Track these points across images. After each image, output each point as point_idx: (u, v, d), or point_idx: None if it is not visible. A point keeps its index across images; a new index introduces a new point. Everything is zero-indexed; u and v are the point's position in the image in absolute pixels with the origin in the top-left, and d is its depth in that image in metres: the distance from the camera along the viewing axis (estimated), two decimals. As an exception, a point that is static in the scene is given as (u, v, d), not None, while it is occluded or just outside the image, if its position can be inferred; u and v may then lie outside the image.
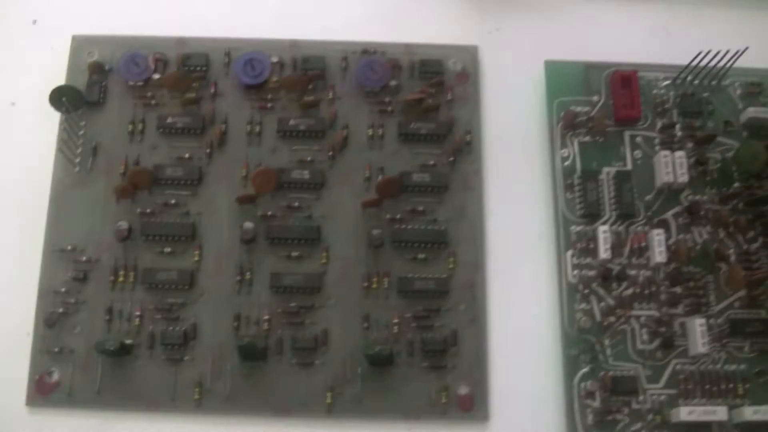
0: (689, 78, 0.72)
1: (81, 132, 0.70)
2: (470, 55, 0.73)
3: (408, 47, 0.73)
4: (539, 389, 0.67)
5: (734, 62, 0.70)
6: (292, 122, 0.70)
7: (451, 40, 0.73)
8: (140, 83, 0.71)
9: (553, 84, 0.72)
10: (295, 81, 0.70)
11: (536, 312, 0.68)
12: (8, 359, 0.66)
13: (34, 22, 0.74)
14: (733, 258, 0.68)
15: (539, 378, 0.67)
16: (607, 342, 0.67)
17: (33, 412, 0.65)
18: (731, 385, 0.66)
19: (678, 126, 0.71)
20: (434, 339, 0.66)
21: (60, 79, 0.71)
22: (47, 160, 0.70)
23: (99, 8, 0.75)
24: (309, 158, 0.70)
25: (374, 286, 0.67)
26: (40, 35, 0.74)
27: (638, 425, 0.65)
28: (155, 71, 0.71)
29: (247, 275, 0.67)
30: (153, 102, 0.71)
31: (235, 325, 0.66)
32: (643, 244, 0.68)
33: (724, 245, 0.69)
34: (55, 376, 0.65)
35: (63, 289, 0.67)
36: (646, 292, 0.68)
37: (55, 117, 0.70)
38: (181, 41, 0.73)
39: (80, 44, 0.72)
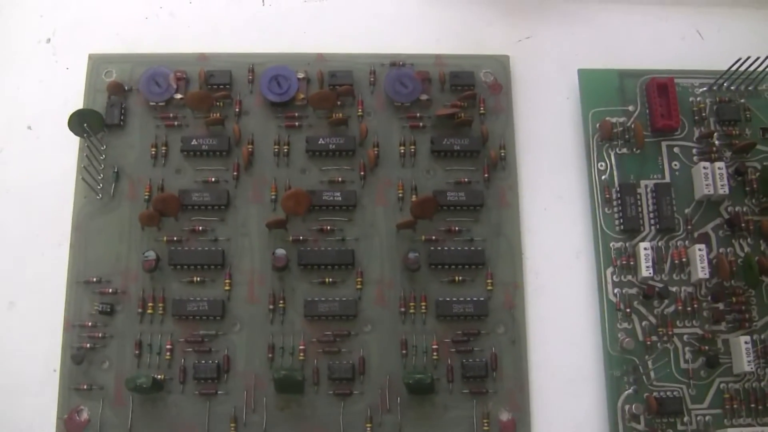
0: (725, 84, 0.66)
1: (102, 156, 0.63)
2: (502, 65, 0.66)
3: (438, 58, 0.66)
4: (582, 412, 0.61)
5: (773, 67, 0.64)
6: (321, 141, 0.64)
7: (482, 49, 0.67)
8: (162, 103, 0.65)
9: (588, 94, 0.66)
10: (323, 97, 0.64)
11: (577, 332, 0.63)
12: (35, 397, 0.60)
13: (48, 40, 0.67)
14: (775, 271, 0.63)
15: (582, 401, 0.62)
16: (650, 362, 0.61)
17: (64, 454, 0.59)
18: (778, 403, 0.61)
19: (716, 135, 0.65)
20: (474, 364, 0.61)
21: (77, 100, 0.65)
22: (68, 186, 0.64)
23: (115, 25, 0.68)
24: (340, 178, 0.64)
25: (411, 310, 0.62)
26: (54, 54, 0.67)
27: (685, 447, 0.60)
28: (177, 90, 0.65)
29: (280, 303, 0.61)
30: (176, 123, 0.64)
31: (269, 356, 0.60)
32: (684, 259, 0.63)
33: (767, 257, 0.63)
34: (85, 414, 0.60)
35: (89, 323, 0.61)
36: (689, 309, 0.62)
37: (74, 140, 0.64)
38: (202, 57, 0.66)
39: (97, 63, 0.66)
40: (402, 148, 0.64)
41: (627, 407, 0.60)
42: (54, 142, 0.65)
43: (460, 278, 0.62)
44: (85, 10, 0.68)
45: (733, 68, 0.65)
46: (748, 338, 0.61)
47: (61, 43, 0.67)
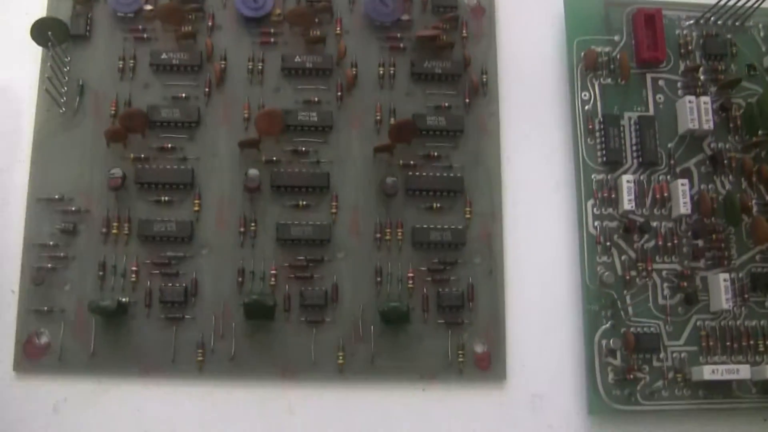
0: (713, 18, 0.63)
1: (66, 69, 0.59)
2: (486, -12, 0.63)
3: (420, -22, 0.62)
4: (558, 346, 0.59)
5: (761, 2, 0.61)
6: (297, 59, 0.60)
7: (467, -28, 0.63)
8: (130, 15, 0.60)
9: (573, 22, 0.62)
10: (300, 14, 0.60)
11: (555, 265, 0.60)
12: (-8, 319, 0.56)
13: (10, -58, 0.62)
14: (755, 210, 0.60)
15: (558, 335, 0.59)
16: (628, 297, 0.58)
17: (21, 378, 0.55)
18: (752, 342, 0.59)
19: (702, 69, 0.62)
20: (450, 294, 0.58)
21: (39, 7, 0.60)
22: (29, 99, 0.59)
23: (81, -73, 0.62)
24: (315, 99, 0.60)
25: (387, 237, 0.58)
26: (16, -42, 0.62)
27: (659, 383, 0.58)
28: (146, 1, 0.60)
29: (251, 226, 0.58)
30: (145, 36, 0.60)
31: (239, 281, 0.57)
32: (666, 194, 0.60)
33: (747, 196, 0.60)
34: (45, 338, 0.56)
35: (50, 243, 0.57)
36: (668, 244, 0.60)
37: (36, 51, 0.59)
38: (174, -33, 0.61)
39: (62, -30, 0.61)
40: (381, 69, 0.61)
41: (604, 342, 0.58)
42: (14, 51, 0.60)
43: (438, 205, 0.59)
44: None
45: (721, 2, 0.61)
46: (727, 276, 0.58)
47: (24, -54, 0.62)
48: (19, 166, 0.58)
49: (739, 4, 0.62)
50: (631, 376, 0.58)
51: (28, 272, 0.56)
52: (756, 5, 0.62)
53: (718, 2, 0.62)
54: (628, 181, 0.59)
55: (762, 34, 0.64)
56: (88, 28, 0.60)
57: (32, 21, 0.58)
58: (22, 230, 0.57)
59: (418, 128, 0.59)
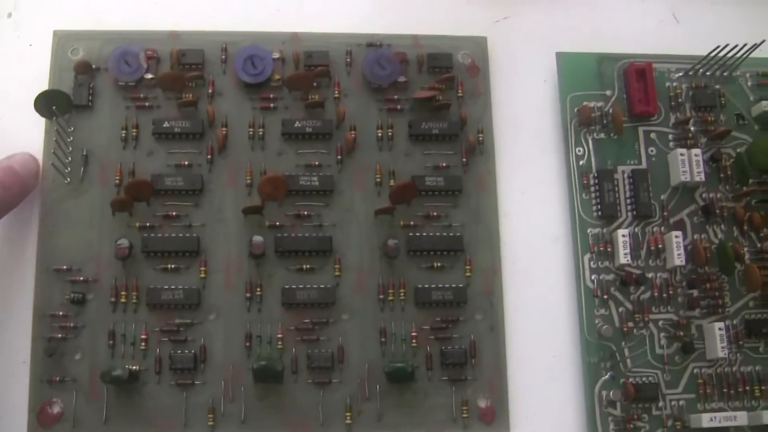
0: (701, 70, 0.66)
1: (70, 139, 0.61)
2: (480, 47, 0.65)
3: (415, 39, 0.65)
4: (560, 398, 0.62)
5: (749, 54, 0.64)
6: (297, 124, 0.62)
7: (459, 29, 0.66)
8: (132, 83, 0.62)
9: (566, 78, 0.65)
10: (299, 78, 0.62)
11: (554, 319, 0.63)
12: (4, 390, 0.58)
13: (9, 15, 0.64)
14: (748, 257, 0.63)
15: (559, 387, 0.62)
16: (626, 349, 0.62)
17: (36, 447, 0.58)
18: (748, 388, 0.62)
19: (692, 121, 0.65)
20: (454, 352, 0.60)
21: (42, 80, 0.62)
22: (34, 170, 0.61)
23: (81, 0, 0.65)
24: (316, 162, 0.62)
25: (390, 298, 0.61)
26: (16, 30, 0.64)
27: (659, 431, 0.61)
28: (148, 70, 0.63)
29: (257, 291, 0.60)
30: (147, 104, 0.62)
31: (246, 345, 0.60)
32: (660, 245, 0.63)
33: (740, 244, 0.63)
34: (58, 407, 0.58)
35: (60, 313, 0.59)
36: (664, 295, 0.63)
37: (39, 121, 0.61)
38: (173, 35, 0.64)
39: (63, 40, 0.63)
40: (380, 131, 0.63)
41: (604, 393, 0.61)
42: (18, 123, 0.62)
43: (439, 264, 0.62)
44: (48, -18, 0.65)
45: (711, 54, 0.64)
46: (722, 325, 0.61)
47: (24, 17, 0.64)
48: (26, 236, 0.60)
49: (729, 55, 0.64)
50: (631, 426, 0.61)
51: (40, 342, 0.59)
52: (743, 57, 0.65)
53: (708, 55, 0.64)
54: (623, 236, 0.62)
55: (749, 83, 0.67)
56: (90, 97, 0.62)
57: (35, 92, 0.60)
58: (32, 300, 0.59)
59: (417, 189, 0.61)
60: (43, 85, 0.62)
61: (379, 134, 0.63)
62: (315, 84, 0.63)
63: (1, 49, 0.64)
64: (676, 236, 0.62)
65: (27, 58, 0.63)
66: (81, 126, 0.62)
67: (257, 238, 0.60)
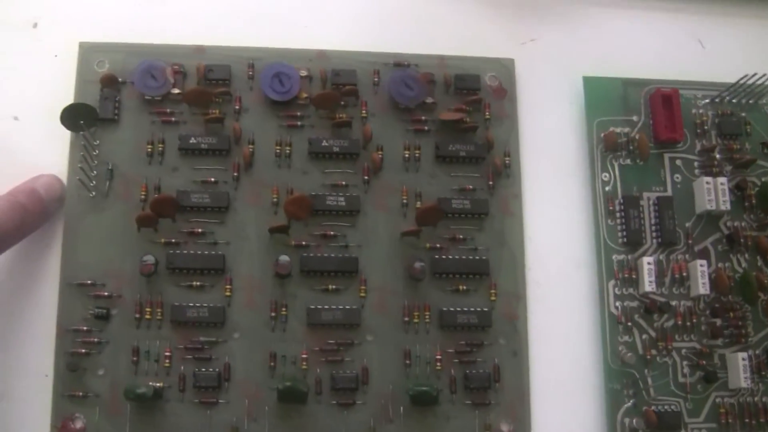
0: (727, 97, 0.67)
1: (95, 152, 0.62)
2: (506, 69, 0.66)
3: (441, 59, 0.66)
4: (582, 425, 0.63)
5: (776, 82, 0.66)
6: (324, 143, 0.63)
7: (485, 51, 0.67)
8: (158, 98, 0.63)
9: (593, 102, 0.66)
10: (326, 98, 0.63)
11: (577, 345, 0.64)
12: (26, 404, 0.59)
13: (35, 25, 0.65)
14: (771, 286, 0.65)
15: (581, 413, 0.63)
16: (649, 377, 0.62)
17: (58, 464, 0.58)
18: (770, 417, 0.63)
19: (717, 149, 0.66)
20: (477, 375, 0.61)
21: (67, 91, 0.63)
22: (58, 183, 0.62)
23: (105, 10, 0.65)
24: (343, 182, 0.63)
25: (415, 320, 0.62)
26: (40, 41, 0.65)
27: (680, 460, 0.62)
28: (174, 85, 0.63)
29: (282, 311, 0.61)
30: (173, 119, 0.63)
31: (270, 365, 0.60)
32: (684, 273, 0.64)
33: (763, 274, 0.64)
34: (80, 423, 0.59)
35: (84, 328, 0.60)
36: (687, 323, 0.64)
37: (64, 133, 0.62)
38: (199, 49, 0.64)
39: (88, 52, 0.64)
40: (406, 152, 0.64)
41: (626, 420, 0.62)
42: (42, 135, 0.63)
43: (464, 287, 0.63)
44: (74, -7, 0.66)
45: (740, 82, 0.66)
46: (745, 354, 0.62)
47: (48, 28, 0.65)
48: (50, 250, 0.61)
49: (758, 83, 0.65)
50: (653, 454, 0.62)
51: (62, 357, 0.59)
52: (769, 85, 0.66)
53: (735, 84, 0.65)
54: (648, 263, 0.63)
55: (775, 111, 0.68)
56: (116, 111, 0.62)
57: (60, 103, 0.60)
58: (55, 315, 0.60)
59: (443, 212, 0.62)
60: (68, 97, 0.62)
61: (406, 155, 0.64)
62: (342, 103, 0.64)
63: (26, 59, 0.64)
64: (701, 265, 0.63)
65: (52, 68, 0.64)
66: (106, 140, 0.62)
67: (284, 258, 0.61)
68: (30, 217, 0.59)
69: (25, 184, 0.60)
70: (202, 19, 0.66)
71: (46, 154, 0.62)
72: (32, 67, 0.64)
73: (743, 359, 0.62)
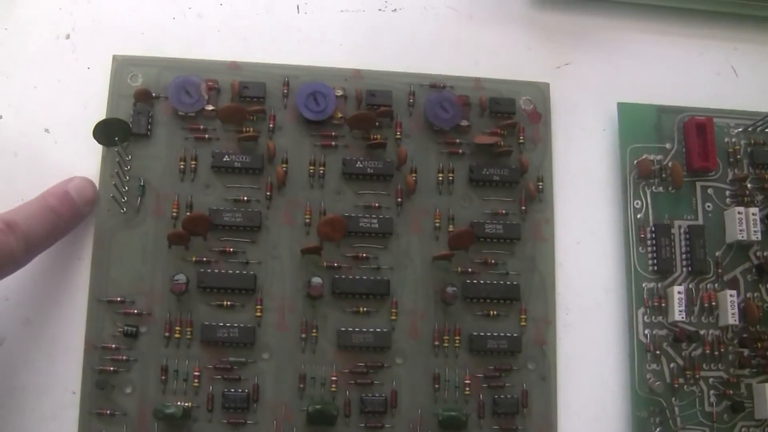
0: (760, 127, 0.68)
1: (127, 168, 0.62)
2: (541, 92, 0.67)
3: (477, 81, 0.66)
4: (608, 452, 0.63)
5: (807, 112, 0.66)
6: (358, 165, 0.63)
7: (520, 74, 0.67)
8: (191, 114, 0.63)
9: (627, 129, 0.67)
10: (362, 118, 0.63)
11: (605, 372, 0.64)
12: (53, 421, 0.59)
13: (68, 36, 0.65)
14: (798, 318, 0.65)
15: (608, 440, 0.63)
16: (676, 406, 0.63)
17: (84, 482, 0.59)
18: (795, 449, 0.64)
19: (749, 178, 0.67)
20: (506, 401, 0.62)
21: (100, 105, 0.63)
22: (89, 198, 0.62)
23: (139, 23, 0.66)
24: (376, 204, 0.63)
25: (445, 344, 0.62)
26: (74, 52, 0.65)
27: (705, 490, 0.63)
28: (208, 101, 0.63)
29: (312, 333, 0.61)
30: (206, 136, 0.63)
31: (300, 387, 0.60)
32: (713, 302, 0.65)
33: (792, 304, 0.65)
34: (107, 441, 0.59)
35: (112, 345, 0.60)
36: (716, 353, 0.64)
37: (97, 148, 0.62)
38: (233, 65, 0.65)
39: (122, 65, 0.64)
40: (440, 175, 0.64)
41: (653, 448, 0.63)
42: (74, 148, 0.63)
43: (495, 312, 0.63)
44: (108, 5, 0.66)
45: (772, 112, 0.66)
46: (772, 385, 0.63)
47: (82, 40, 0.65)
48: (80, 264, 0.61)
49: (786, 111, 0.66)
50: (678, 483, 0.62)
51: (90, 374, 0.59)
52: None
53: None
54: (678, 293, 0.64)
55: (806, 141, 0.69)
56: (149, 126, 0.63)
57: (93, 116, 0.61)
58: (83, 331, 0.60)
59: (476, 236, 0.63)
60: (101, 110, 0.63)
61: (440, 178, 0.64)
62: (377, 124, 0.64)
63: (59, 71, 0.64)
64: (731, 295, 0.64)
65: (85, 81, 0.64)
66: (138, 155, 0.62)
67: (316, 280, 0.61)
68: (62, 221, 0.59)
69: (56, 187, 0.60)
70: (237, 35, 0.66)
71: (77, 167, 0.62)
72: (65, 79, 0.64)
73: (771, 390, 0.63)
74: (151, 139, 0.63)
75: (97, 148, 0.62)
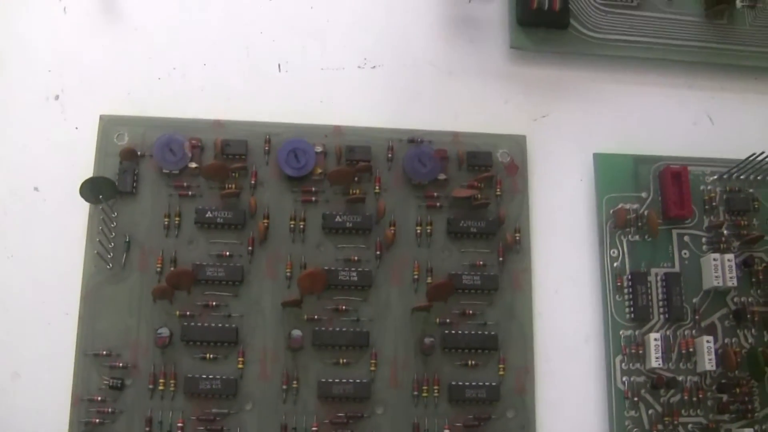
0: (735, 174, 0.70)
1: (113, 224, 0.65)
2: (518, 145, 0.69)
3: (455, 136, 0.69)
4: (588, 501, 0.65)
5: (784, 159, 0.68)
6: (338, 219, 0.66)
7: (498, 126, 0.70)
8: (175, 171, 0.66)
9: (603, 179, 0.69)
10: (341, 174, 0.66)
11: (585, 419, 0.66)
12: (41, 474, 0.62)
13: (57, 97, 0.68)
14: (777, 363, 0.67)
15: (588, 489, 0.65)
16: (655, 452, 0.65)
17: None
18: (773, 496, 0.65)
19: (725, 225, 0.69)
20: (485, 451, 0.64)
21: (87, 163, 0.66)
22: (76, 253, 0.65)
23: (126, 84, 0.69)
24: (355, 257, 0.66)
25: (424, 394, 0.64)
26: (62, 113, 0.68)
27: None
28: (192, 158, 0.66)
29: (294, 384, 0.64)
30: (190, 192, 0.66)
31: (282, 437, 0.63)
32: (691, 349, 0.67)
33: (770, 349, 0.67)
34: (94, 493, 0.61)
35: (98, 398, 0.62)
36: (694, 399, 0.66)
37: (83, 204, 0.65)
38: (217, 124, 0.67)
39: (108, 125, 0.67)
40: (418, 228, 0.67)
41: (632, 496, 0.64)
42: (62, 206, 0.66)
43: (473, 362, 0.65)
44: (96, 67, 0.69)
45: (751, 158, 0.68)
46: (751, 430, 0.65)
47: (70, 100, 0.68)
48: (67, 319, 0.64)
49: (767, 160, 0.68)
50: None
51: (77, 427, 0.62)
52: (778, 162, 0.69)
53: (746, 159, 0.68)
54: (655, 339, 0.66)
55: (783, 188, 0.71)
56: (134, 184, 0.66)
57: (81, 175, 0.64)
58: (71, 384, 0.63)
59: (454, 288, 0.65)
60: (88, 168, 0.66)
61: (418, 231, 0.67)
62: (356, 179, 0.67)
63: (49, 130, 0.67)
64: (708, 341, 0.66)
65: (73, 140, 0.67)
66: (124, 211, 0.65)
67: (296, 333, 0.64)
68: None
69: None
70: (220, 94, 0.69)
71: (65, 225, 0.65)
72: (54, 139, 0.67)
73: (750, 437, 0.65)
74: (137, 196, 0.66)
75: (85, 206, 0.65)
